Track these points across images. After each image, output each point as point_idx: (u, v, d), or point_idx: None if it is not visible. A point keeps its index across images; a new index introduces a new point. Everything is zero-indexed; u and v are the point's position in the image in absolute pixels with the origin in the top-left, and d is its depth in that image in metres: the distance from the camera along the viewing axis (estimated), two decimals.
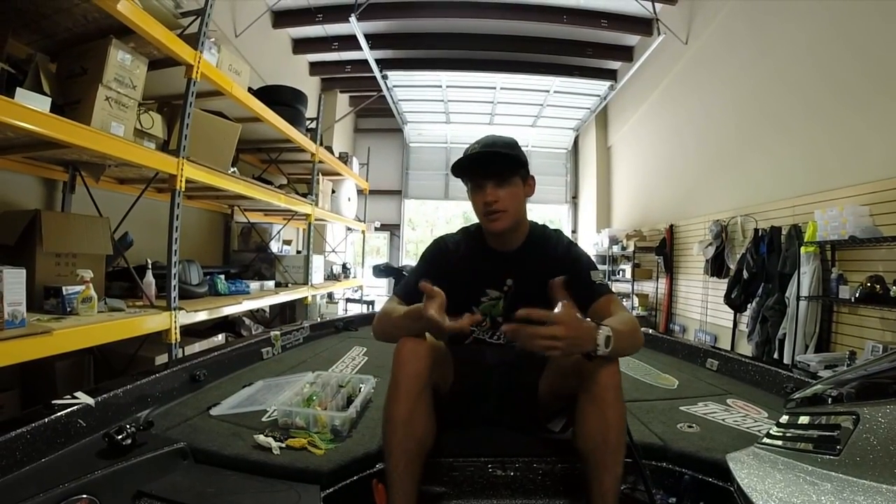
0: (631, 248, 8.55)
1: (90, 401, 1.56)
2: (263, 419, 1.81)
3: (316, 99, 6.44)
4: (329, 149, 6.73)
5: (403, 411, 1.43)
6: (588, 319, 1.38)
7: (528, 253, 1.75)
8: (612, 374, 1.43)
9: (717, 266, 6.21)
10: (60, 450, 1.39)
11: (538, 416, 1.76)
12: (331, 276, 7.23)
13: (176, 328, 3.03)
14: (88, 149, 2.42)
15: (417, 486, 1.45)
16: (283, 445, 1.53)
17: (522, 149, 1.71)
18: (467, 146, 1.70)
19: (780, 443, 1.32)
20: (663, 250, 7.76)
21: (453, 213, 14.80)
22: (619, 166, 10.69)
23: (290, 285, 5.50)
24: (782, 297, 4.71)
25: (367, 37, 7.54)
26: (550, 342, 1.29)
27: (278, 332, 3.03)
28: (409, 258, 12.52)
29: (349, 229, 9.00)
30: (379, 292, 10.51)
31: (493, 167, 1.63)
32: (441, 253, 1.83)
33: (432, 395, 1.54)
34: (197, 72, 3.12)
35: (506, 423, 1.78)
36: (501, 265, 1.75)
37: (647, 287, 8.57)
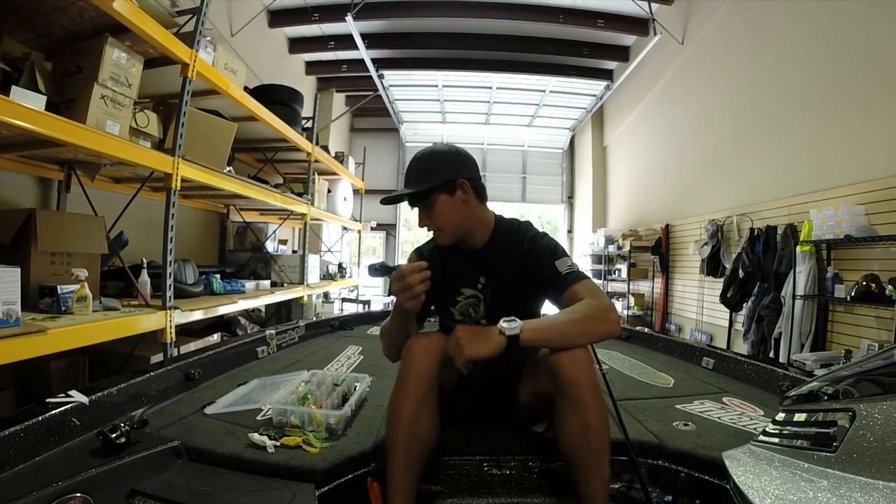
0: (627, 248, 8.56)
1: (84, 399, 1.55)
2: (258, 418, 1.81)
3: (312, 98, 6.43)
4: (325, 148, 6.71)
5: (409, 410, 1.43)
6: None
7: (495, 249, 1.75)
8: (585, 372, 1.41)
9: (712, 265, 6.22)
10: (54, 448, 1.39)
11: (521, 418, 1.75)
12: (327, 276, 7.21)
13: (171, 328, 3.02)
14: (84, 147, 2.40)
15: (417, 485, 1.44)
16: (278, 444, 1.53)
17: (442, 158, 1.72)
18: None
19: (776, 440, 1.32)
20: (659, 250, 7.77)
21: None
22: (615, 166, 10.70)
23: (285, 285, 5.49)
24: (778, 297, 4.72)
25: (364, 36, 7.53)
26: (455, 345, 1.41)
27: (273, 332, 3.03)
28: (405, 258, 12.44)
29: (345, 229, 8.98)
30: (375, 292, 10.50)
31: (413, 199, 1.71)
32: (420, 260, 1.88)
33: (438, 394, 1.54)
34: (193, 71, 3.11)
35: (496, 424, 1.78)
36: (472, 264, 1.77)
37: (643, 286, 8.58)
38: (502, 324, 1.40)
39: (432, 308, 1.94)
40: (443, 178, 1.65)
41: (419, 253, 1.91)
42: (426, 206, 1.68)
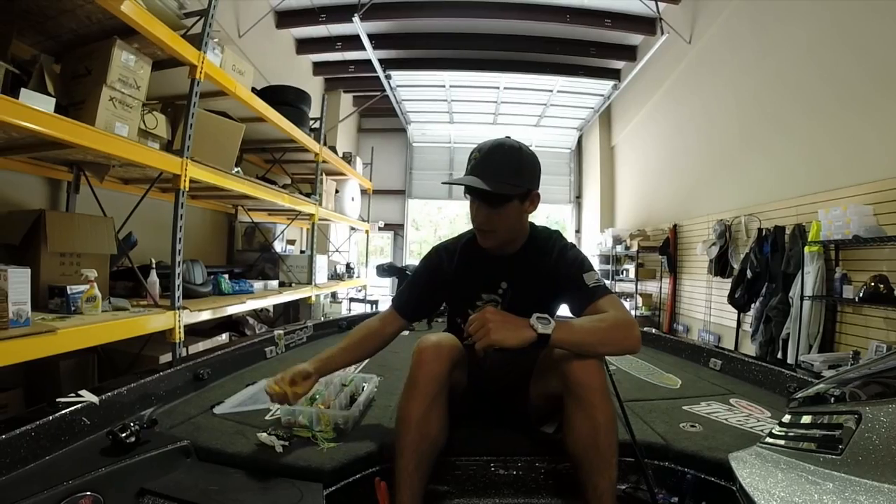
0: (634, 248, 8.54)
1: (94, 399, 1.57)
2: (266, 418, 1.81)
3: (319, 99, 6.45)
4: (333, 149, 6.74)
5: (419, 412, 1.43)
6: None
7: (523, 257, 1.73)
8: (594, 374, 1.41)
9: (720, 266, 6.20)
10: (65, 447, 1.40)
11: (530, 418, 1.75)
12: (334, 276, 7.25)
13: (180, 327, 3.04)
14: (93, 149, 2.42)
15: (426, 486, 1.45)
16: (286, 444, 1.53)
17: (529, 164, 1.63)
18: (474, 147, 1.64)
19: (782, 442, 1.31)
20: (667, 250, 7.75)
21: (457, 213, 14.74)
22: (622, 166, 10.68)
23: (293, 285, 5.51)
24: (786, 297, 4.70)
25: (371, 37, 7.55)
26: (482, 326, 1.37)
27: (282, 332, 3.04)
28: (413, 258, 12.53)
29: (353, 229, 9.01)
30: (383, 292, 10.52)
31: (484, 194, 1.58)
32: (435, 263, 1.86)
33: (448, 396, 1.54)
34: (200, 72, 3.13)
35: (504, 424, 1.78)
36: (496, 270, 1.75)
37: (651, 287, 8.56)
38: (535, 321, 1.38)
39: (442, 308, 1.95)
40: (527, 186, 1.61)
41: (439, 255, 1.86)
42: (493, 205, 1.60)
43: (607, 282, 9.25)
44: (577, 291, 1.60)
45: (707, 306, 6.78)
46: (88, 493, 1.18)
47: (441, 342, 1.53)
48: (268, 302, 4.81)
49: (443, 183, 1.83)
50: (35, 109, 2.07)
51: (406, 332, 3.64)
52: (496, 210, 1.60)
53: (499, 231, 1.64)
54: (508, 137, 1.68)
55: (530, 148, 1.67)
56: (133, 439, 1.40)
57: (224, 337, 4.15)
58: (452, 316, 1.90)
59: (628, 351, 1.50)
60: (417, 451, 1.41)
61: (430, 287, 1.86)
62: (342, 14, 7.71)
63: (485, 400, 1.79)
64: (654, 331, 3.68)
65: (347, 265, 7.81)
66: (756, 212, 5.60)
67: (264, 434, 1.56)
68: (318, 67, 10.00)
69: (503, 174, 1.56)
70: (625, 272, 9.11)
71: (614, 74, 9.68)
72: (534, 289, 1.70)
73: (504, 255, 1.74)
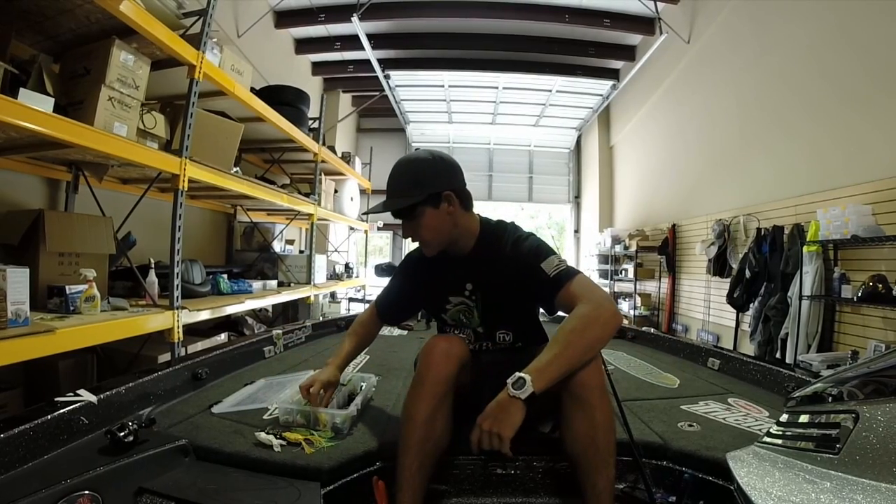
0: (633, 248, 8.53)
1: (93, 398, 1.57)
2: (265, 417, 1.82)
3: (318, 99, 6.44)
4: (332, 148, 6.73)
5: (426, 411, 1.44)
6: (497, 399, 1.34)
7: (481, 255, 1.72)
8: (593, 373, 1.41)
9: (719, 266, 6.20)
10: (63, 446, 1.40)
11: (528, 417, 1.74)
12: (333, 276, 7.24)
13: (178, 327, 3.04)
14: (91, 149, 2.42)
15: (427, 486, 1.45)
16: (285, 443, 1.54)
17: (428, 169, 1.65)
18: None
19: (780, 441, 1.32)
20: (666, 250, 7.76)
21: None
22: (621, 166, 10.68)
23: (292, 285, 5.51)
24: (784, 297, 4.70)
25: (370, 37, 7.55)
26: (487, 435, 1.31)
27: (280, 331, 3.04)
28: None
29: (352, 229, 9.00)
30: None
31: (398, 211, 1.67)
32: (408, 268, 1.94)
33: (454, 397, 1.54)
34: (199, 72, 3.13)
35: None
36: (459, 271, 1.76)
37: (650, 287, 8.56)
38: (512, 390, 1.31)
39: (421, 313, 1.97)
40: (428, 190, 1.60)
41: (409, 262, 1.94)
42: (411, 218, 1.65)
43: (606, 282, 9.33)
44: (540, 285, 1.57)
45: (706, 306, 6.78)
46: (87, 491, 1.18)
47: (451, 344, 1.54)
48: (266, 302, 4.80)
49: (362, 213, 1.90)
50: (34, 109, 2.07)
51: (405, 332, 3.65)
52: (414, 222, 1.65)
53: (427, 239, 1.68)
54: (417, 150, 1.75)
55: (438, 153, 1.71)
56: (131, 438, 1.40)
57: (223, 337, 4.15)
58: (436, 320, 1.94)
59: (613, 333, 1.45)
60: (422, 450, 1.42)
61: (404, 293, 1.96)
62: (341, 14, 7.71)
63: (483, 399, 1.78)
64: (652, 330, 3.68)
65: (346, 265, 7.80)
66: (755, 211, 5.60)
67: (262, 433, 1.57)
68: (317, 67, 9.99)
69: (402, 189, 1.64)
70: (624, 272, 9.11)
71: (613, 74, 9.68)
72: (499, 286, 1.70)
73: (462, 256, 1.75)
